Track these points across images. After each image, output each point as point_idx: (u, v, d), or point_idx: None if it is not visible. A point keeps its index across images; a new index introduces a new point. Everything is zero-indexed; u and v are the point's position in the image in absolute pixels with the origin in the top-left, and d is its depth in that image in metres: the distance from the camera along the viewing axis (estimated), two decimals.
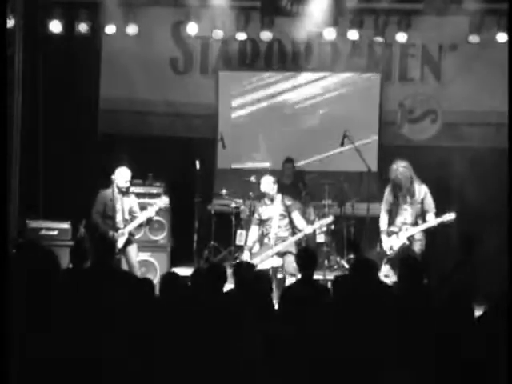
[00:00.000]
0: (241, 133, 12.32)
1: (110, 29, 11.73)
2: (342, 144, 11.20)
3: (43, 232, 10.61)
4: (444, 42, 11.95)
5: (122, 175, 9.96)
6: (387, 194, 9.87)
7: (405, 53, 12.12)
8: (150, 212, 10.08)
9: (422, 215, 9.70)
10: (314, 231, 10.66)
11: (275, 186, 10.20)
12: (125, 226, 9.93)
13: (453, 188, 11.58)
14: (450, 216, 9.54)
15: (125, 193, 10.01)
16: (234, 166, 12.28)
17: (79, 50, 11.91)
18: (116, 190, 9.92)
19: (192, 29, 11.74)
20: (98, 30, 11.83)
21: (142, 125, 12.21)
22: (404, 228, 9.66)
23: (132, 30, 11.77)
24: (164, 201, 10.14)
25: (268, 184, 10.18)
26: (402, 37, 11.66)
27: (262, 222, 10.19)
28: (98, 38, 12.01)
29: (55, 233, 10.62)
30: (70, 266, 7.55)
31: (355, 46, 12.02)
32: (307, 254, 7.31)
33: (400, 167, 9.70)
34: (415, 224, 9.67)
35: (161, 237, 11.08)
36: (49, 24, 11.58)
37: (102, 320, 5.60)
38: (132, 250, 10.01)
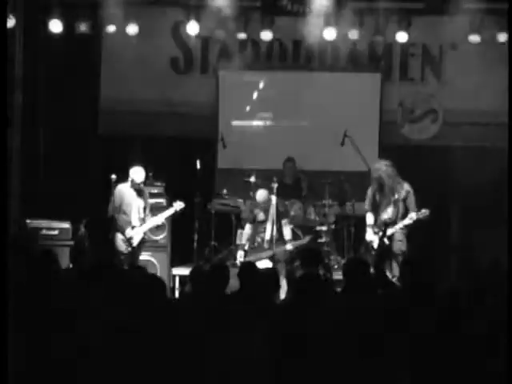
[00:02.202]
0: (241, 132, 12.33)
1: (110, 29, 11.73)
2: (343, 143, 11.22)
3: (43, 232, 10.61)
4: (444, 41, 11.97)
5: (136, 174, 10.01)
6: (370, 193, 9.91)
7: (405, 52, 12.13)
8: (166, 215, 10.24)
9: (404, 214, 9.72)
10: (315, 231, 10.82)
11: (268, 200, 10.19)
12: (140, 225, 10.00)
13: (452, 187, 11.59)
14: (424, 213, 9.54)
15: (139, 191, 10.05)
16: (234, 166, 12.28)
17: (79, 50, 11.90)
18: (131, 188, 9.98)
19: (192, 29, 11.75)
20: (98, 29, 11.83)
21: (142, 125, 12.20)
22: (385, 228, 9.72)
23: (132, 29, 11.77)
24: (180, 205, 10.20)
25: (262, 198, 10.22)
26: (402, 36, 11.66)
27: (255, 223, 10.33)
28: (98, 37, 12.02)
29: (55, 232, 10.61)
30: (70, 265, 7.56)
31: (355, 46, 12.02)
32: (311, 253, 7.34)
33: (383, 166, 9.77)
34: (395, 223, 9.68)
35: (161, 236, 11.08)
36: (49, 24, 11.58)
37: (103, 320, 5.59)
38: (140, 252, 10.11)
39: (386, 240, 9.65)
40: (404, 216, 9.66)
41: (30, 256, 6.80)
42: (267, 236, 10.15)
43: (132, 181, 10.02)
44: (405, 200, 9.72)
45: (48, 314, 5.64)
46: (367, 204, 9.93)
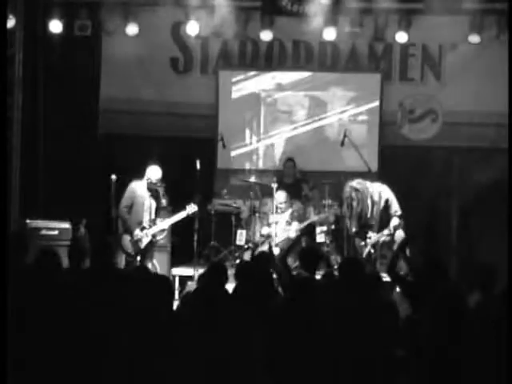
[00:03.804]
0: (241, 133, 12.34)
1: (110, 29, 11.74)
2: (343, 143, 11.24)
3: (43, 232, 10.60)
4: (444, 41, 11.96)
5: (153, 173, 9.95)
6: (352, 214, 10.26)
7: (405, 52, 12.12)
8: (178, 218, 10.16)
9: (386, 221, 10.03)
10: (314, 230, 10.90)
11: (287, 201, 10.85)
12: (150, 226, 9.92)
13: (452, 187, 11.59)
14: (399, 224, 9.99)
15: (153, 191, 9.98)
16: (234, 166, 12.29)
17: (79, 50, 11.90)
18: (146, 188, 9.91)
19: (192, 29, 11.76)
20: (98, 30, 11.83)
21: (142, 125, 12.20)
22: (368, 235, 10.05)
23: (132, 30, 11.78)
24: (193, 208, 10.15)
25: (283, 199, 10.86)
26: (402, 36, 11.68)
27: (269, 225, 10.83)
28: (98, 37, 12.02)
29: (55, 233, 10.61)
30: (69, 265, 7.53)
31: (355, 46, 12.02)
32: (311, 253, 7.34)
33: (353, 191, 10.15)
34: (379, 230, 10.06)
35: (161, 237, 11.07)
36: (49, 24, 11.59)
37: (103, 320, 5.60)
38: (150, 253, 9.99)
39: (371, 249, 10.02)
40: (385, 222, 10.05)
41: (29, 255, 6.80)
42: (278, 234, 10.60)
43: (148, 179, 9.96)
44: (385, 207, 10.04)
45: (48, 314, 5.64)
46: (354, 226, 10.29)
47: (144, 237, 9.89)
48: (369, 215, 10.09)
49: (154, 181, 9.94)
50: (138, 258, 9.93)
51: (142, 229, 9.90)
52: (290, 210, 10.86)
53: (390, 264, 7.06)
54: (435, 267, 6.28)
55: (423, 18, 11.70)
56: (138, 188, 9.93)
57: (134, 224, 9.89)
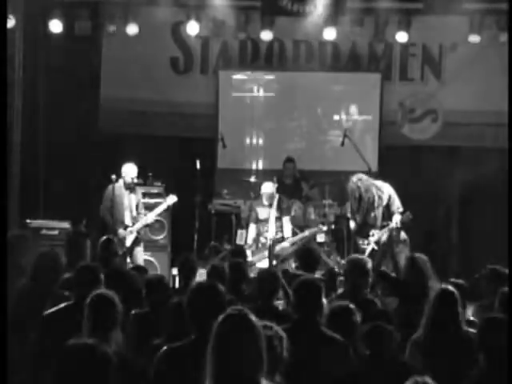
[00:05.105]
0: (241, 133, 12.35)
1: (110, 29, 11.75)
2: (343, 143, 11.23)
3: (43, 232, 10.60)
4: (444, 41, 11.97)
5: (129, 171, 9.97)
6: (351, 207, 10.15)
7: (405, 52, 12.13)
8: (159, 210, 10.19)
9: (388, 218, 9.89)
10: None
11: (274, 194, 10.38)
12: (133, 223, 9.94)
13: (452, 187, 11.60)
14: (408, 216, 9.71)
15: (131, 189, 10.01)
16: (234, 166, 12.29)
17: (79, 50, 11.90)
18: (123, 186, 9.93)
19: (192, 29, 11.77)
20: (99, 29, 11.84)
21: (143, 124, 12.21)
22: (370, 233, 9.89)
23: (132, 30, 11.79)
24: (173, 199, 10.15)
25: (269, 189, 10.39)
26: (402, 36, 11.67)
27: (258, 221, 10.41)
28: (99, 37, 12.03)
29: (55, 233, 10.61)
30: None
31: (355, 46, 12.03)
32: (309, 255, 7.33)
33: (358, 182, 9.92)
34: (382, 227, 9.88)
35: (161, 237, 11.08)
36: (49, 24, 11.59)
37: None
38: (138, 250, 10.03)
39: (374, 246, 9.84)
40: (387, 219, 9.87)
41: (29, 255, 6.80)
42: (271, 235, 10.20)
43: (124, 178, 9.98)
44: (387, 204, 9.90)
45: (48, 314, 5.64)
46: (350, 214, 10.20)
47: (128, 234, 9.92)
48: (375, 206, 9.92)
49: (129, 179, 9.96)
50: (128, 257, 9.96)
51: (125, 227, 9.93)
52: (276, 200, 10.37)
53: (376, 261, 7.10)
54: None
55: (423, 18, 11.70)
56: (115, 189, 9.94)
57: (117, 224, 9.92)
